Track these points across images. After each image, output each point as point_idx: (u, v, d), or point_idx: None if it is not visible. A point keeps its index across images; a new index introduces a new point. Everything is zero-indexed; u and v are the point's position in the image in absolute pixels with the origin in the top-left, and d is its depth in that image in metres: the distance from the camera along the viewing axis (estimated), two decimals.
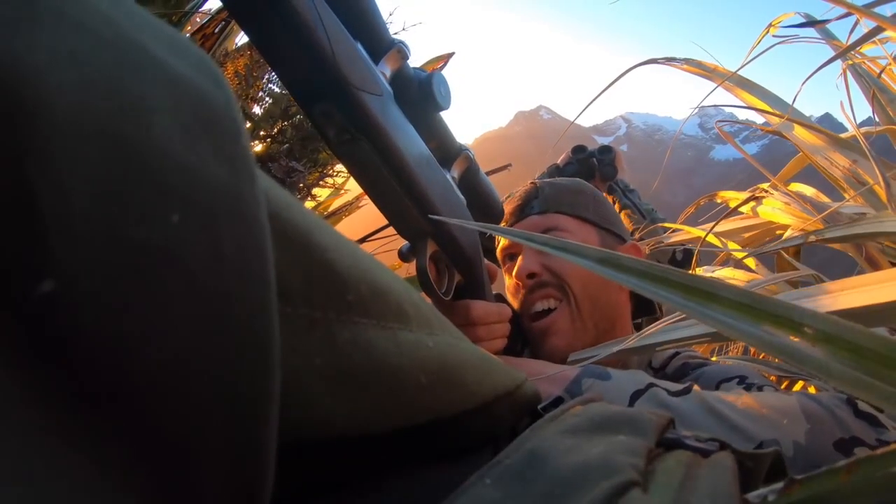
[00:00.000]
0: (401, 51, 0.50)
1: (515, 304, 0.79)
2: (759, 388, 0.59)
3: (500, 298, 0.77)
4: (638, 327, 0.87)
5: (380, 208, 0.53)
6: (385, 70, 0.49)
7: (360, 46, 0.46)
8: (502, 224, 0.86)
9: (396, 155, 0.47)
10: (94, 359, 0.11)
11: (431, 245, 0.55)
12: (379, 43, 0.48)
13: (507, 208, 0.84)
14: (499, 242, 0.85)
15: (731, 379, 0.63)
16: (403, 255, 0.57)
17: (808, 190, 1.07)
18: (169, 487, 0.13)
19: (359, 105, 0.44)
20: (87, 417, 0.12)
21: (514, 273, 0.78)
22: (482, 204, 0.63)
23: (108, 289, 0.11)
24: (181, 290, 0.12)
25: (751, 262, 1.17)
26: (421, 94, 0.51)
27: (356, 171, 0.50)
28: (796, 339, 0.23)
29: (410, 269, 0.56)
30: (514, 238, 0.31)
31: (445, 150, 0.57)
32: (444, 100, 0.52)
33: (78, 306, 0.11)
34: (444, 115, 0.55)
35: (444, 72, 0.54)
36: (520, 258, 0.78)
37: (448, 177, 0.56)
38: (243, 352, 0.14)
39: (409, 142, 0.49)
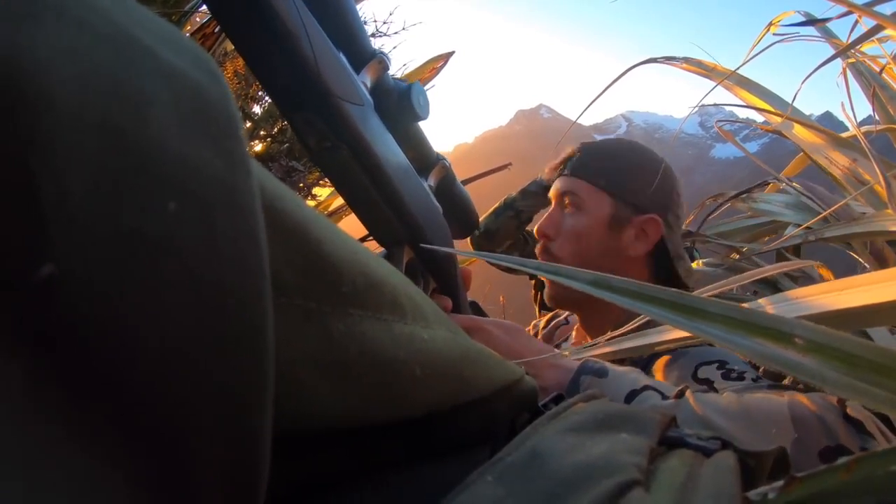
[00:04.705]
0: (381, 62, 0.51)
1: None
2: (740, 376, 0.59)
3: (476, 306, 0.78)
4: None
5: (358, 216, 0.54)
6: (366, 80, 0.50)
7: (342, 56, 0.46)
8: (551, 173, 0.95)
9: (375, 163, 0.48)
10: (89, 344, 0.12)
11: (408, 252, 0.56)
12: (360, 53, 0.49)
13: (553, 164, 0.92)
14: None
15: (711, 362, 0.63)
16: None
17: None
18: (165, 476, 0.13)
19: (340, 115, 0.45)
20: (85, 403, 0.12)
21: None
22: (458, 212, 0.64)
23: (104, 275, 0.12)
24: (176, 278, 0.13)
25: None
26: (400, 104, 0.52)
27: (336, 179, 0.51)
28: (787, 350, 0.23)
29: None
30: (510, 264, 0.35)
31: (423, 159, 0.58)
32: (422, 110, 0.53)
33: (74, 292, 0.11)
34: (422, 124, 0.57)
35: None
36: (547, 212, 0.86)
37: (425, 185, 0.58)
38: (237, 341, 0.14)
39: (388, 151, 0.50)
